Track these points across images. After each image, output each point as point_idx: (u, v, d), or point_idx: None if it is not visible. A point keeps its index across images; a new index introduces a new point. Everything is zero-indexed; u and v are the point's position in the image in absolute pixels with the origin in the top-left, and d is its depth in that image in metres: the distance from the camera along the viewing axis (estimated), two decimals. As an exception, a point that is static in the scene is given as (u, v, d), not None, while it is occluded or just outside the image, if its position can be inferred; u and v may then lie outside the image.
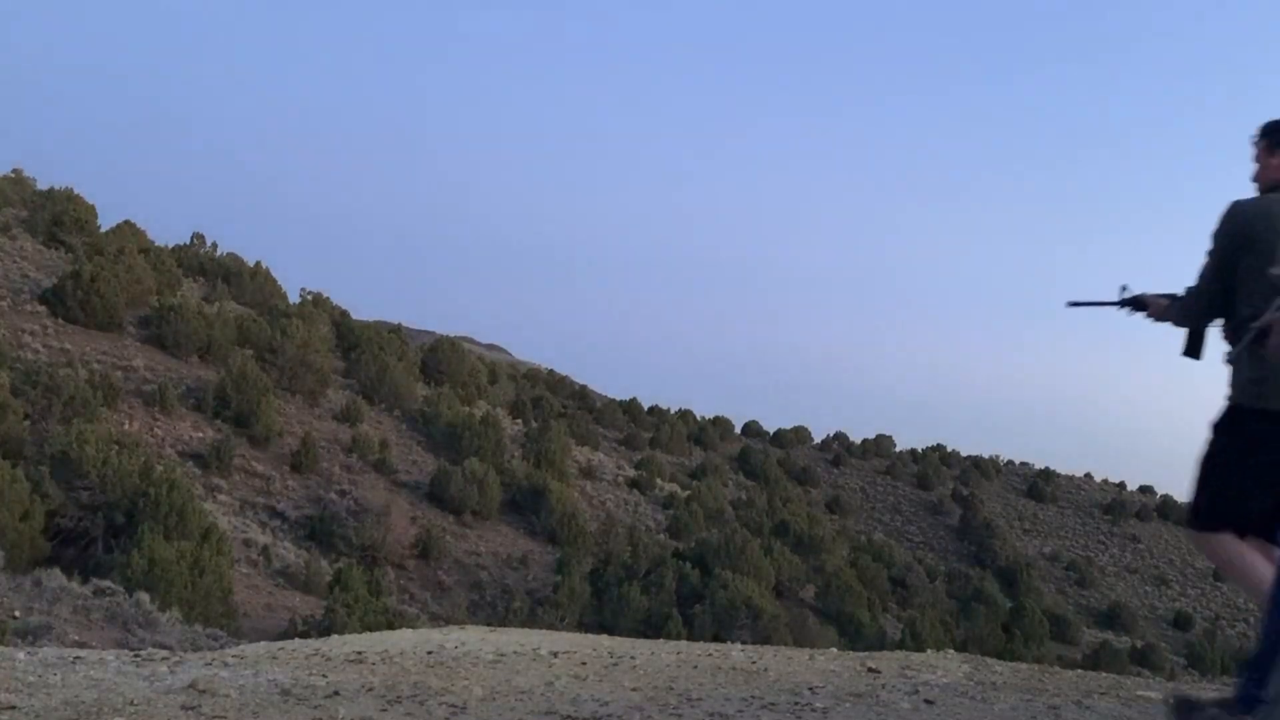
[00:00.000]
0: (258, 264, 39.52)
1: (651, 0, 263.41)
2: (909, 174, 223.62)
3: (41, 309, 27.65)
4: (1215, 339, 3.76)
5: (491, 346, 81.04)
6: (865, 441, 67.34)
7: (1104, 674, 5.43)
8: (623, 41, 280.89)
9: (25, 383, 22.23)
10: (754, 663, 4.79)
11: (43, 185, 37.16)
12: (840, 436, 67.22)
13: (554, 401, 48.43)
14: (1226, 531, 3.58)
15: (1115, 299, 4.04)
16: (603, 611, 23.45)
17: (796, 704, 4.02)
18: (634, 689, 4.12)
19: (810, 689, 4.26)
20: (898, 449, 67.38)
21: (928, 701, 4.12)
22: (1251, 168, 3.75)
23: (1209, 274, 3.67)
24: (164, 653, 5.19)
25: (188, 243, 39.82)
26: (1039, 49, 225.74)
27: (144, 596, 14.41)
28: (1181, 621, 49.23)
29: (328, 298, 41.25)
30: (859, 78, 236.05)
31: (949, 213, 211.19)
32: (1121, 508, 63.82)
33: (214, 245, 40.73)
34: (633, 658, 4.76)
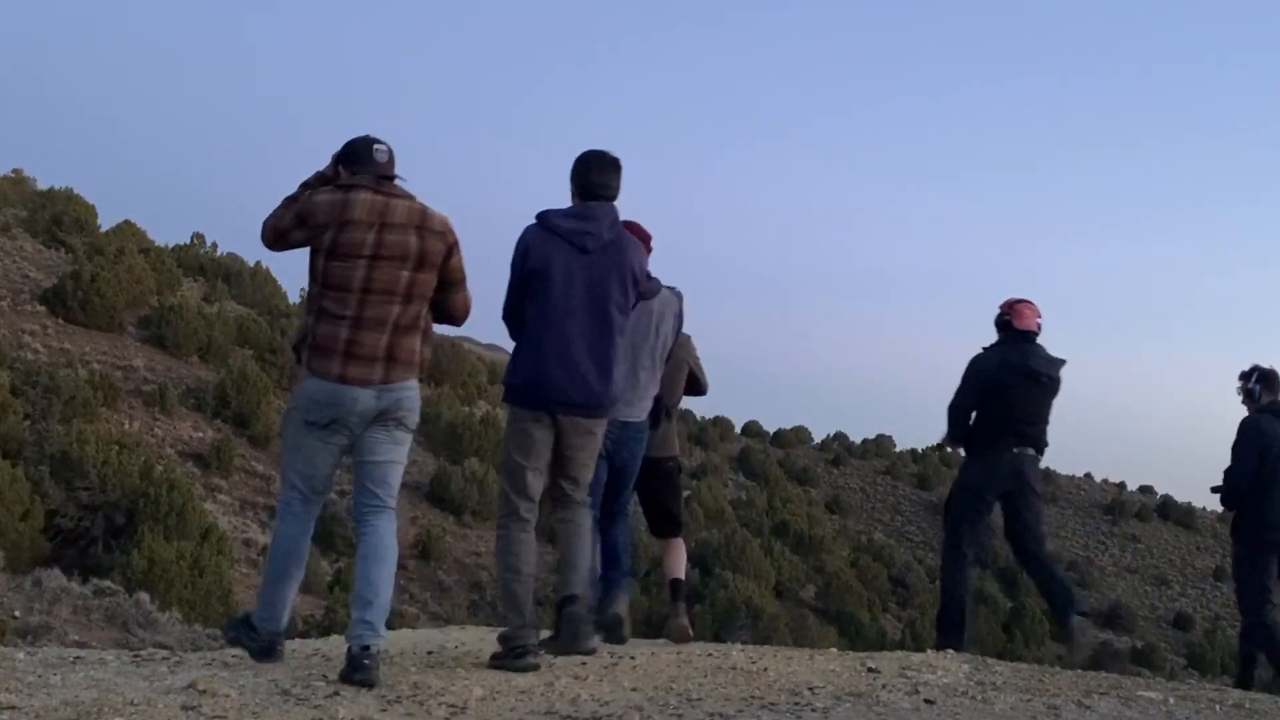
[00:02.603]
0: (258, 264, 39.48)
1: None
2: (908, 173, 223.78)
3: (41, 309, 27.64)
4: None
5: (491, 346, 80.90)
6: (865, 441, 67.31)
7: (1104, 674, 5.42)
8: (619, 40, 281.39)
9: (25, 383, 22.23)
10: (754, 663, 4.79)
11: (43, 185, 37.18)
12: (840, 436, 67.23)
13: (554, 401, 48.30)
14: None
15: None
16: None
17: (796, 704, 4.02)
18: (634, 689, 4.12)
19: (810, 689, 4.26)
20: (898, 449, 67.35)
21: (928, 701, 4.13)
22: None
23: None
24: (164, 653, 5.20)
25: (188, 243, 39.80)
26: (1042, 51, 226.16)
27: (144, 596, 14.41)
28: (1181, 621, 49.23)
29: (328, 298, 41.11)
30: (854, 75, 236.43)
31: (950, 212, 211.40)
32: (1121, 508, 63.84)
33: (214, 245, 40.70)
34: (633, 658, 4.76)
